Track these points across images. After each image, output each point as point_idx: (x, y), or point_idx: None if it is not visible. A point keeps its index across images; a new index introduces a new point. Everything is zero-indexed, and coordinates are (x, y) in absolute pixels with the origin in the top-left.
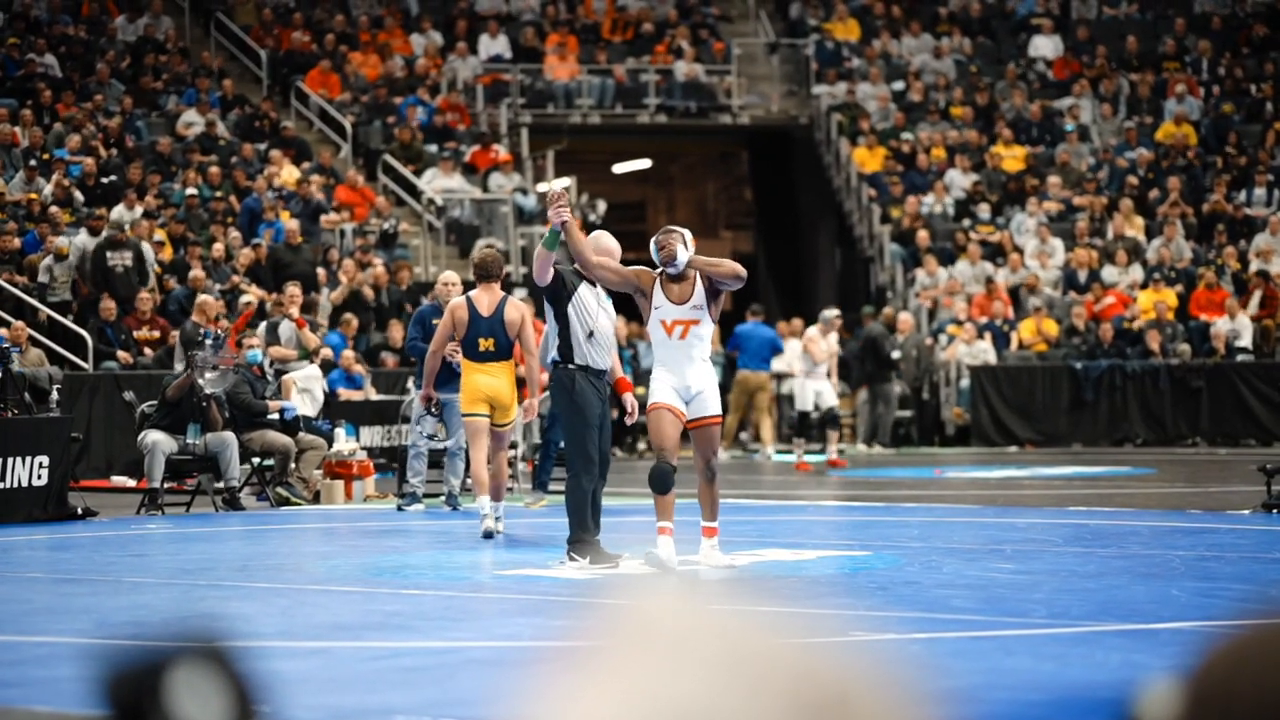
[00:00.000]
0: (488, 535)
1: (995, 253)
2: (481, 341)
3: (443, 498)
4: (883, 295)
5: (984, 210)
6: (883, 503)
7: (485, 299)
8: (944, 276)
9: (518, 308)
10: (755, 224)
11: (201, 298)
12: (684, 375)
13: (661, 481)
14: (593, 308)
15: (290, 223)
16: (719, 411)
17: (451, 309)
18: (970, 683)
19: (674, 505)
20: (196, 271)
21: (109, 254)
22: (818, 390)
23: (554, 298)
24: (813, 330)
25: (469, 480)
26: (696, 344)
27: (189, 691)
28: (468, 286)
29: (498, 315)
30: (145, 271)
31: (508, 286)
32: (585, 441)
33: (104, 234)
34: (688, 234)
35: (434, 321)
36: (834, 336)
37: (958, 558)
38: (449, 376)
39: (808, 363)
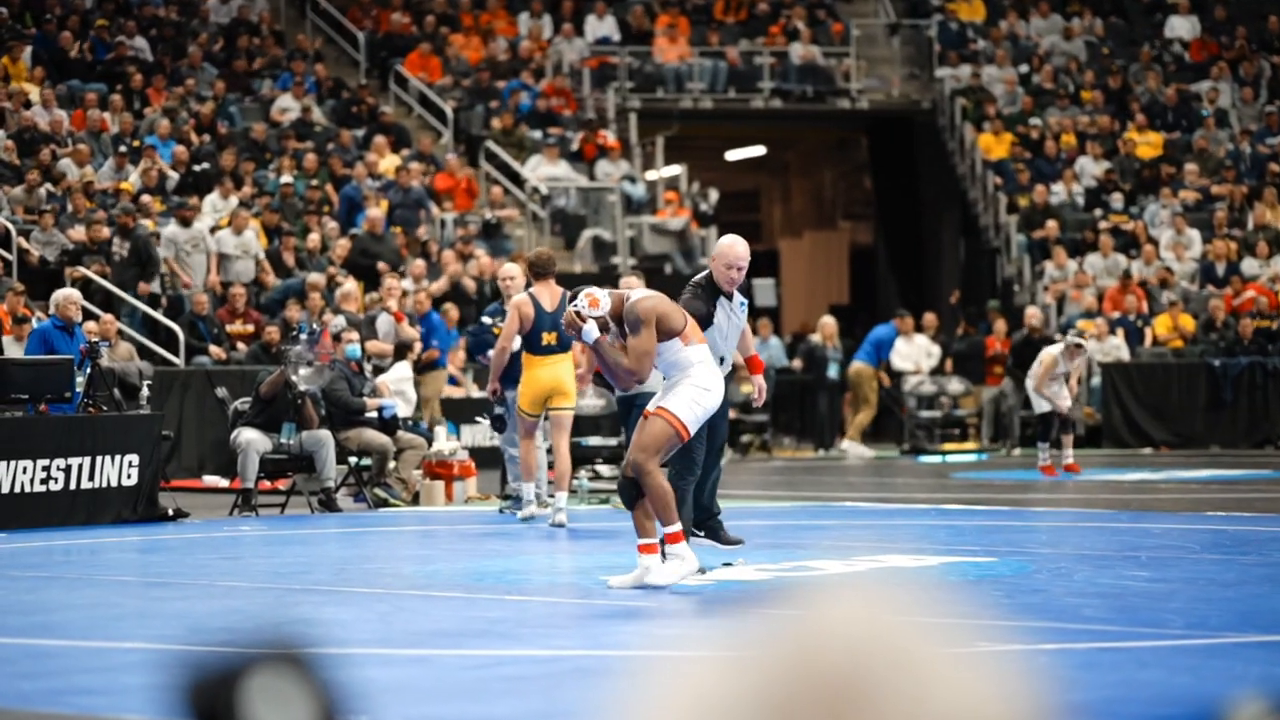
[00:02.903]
0: (528, 520)
1: (1128, 244)
2: (545, 336)
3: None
4: (1009, 289)
5: (1116, 199)
6: (1009, 506)
7: (547, 295)
8: (1074, 269)
9: None
10: (875, 214)
11: (347, 286)
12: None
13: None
14: (726, 328)
15: (374, 211)
16: (656, 406)
17: (517, 306)
18: (1101, 696)
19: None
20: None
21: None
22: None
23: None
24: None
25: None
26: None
27: (267, 700)
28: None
29: (560, 309)
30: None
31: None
32: (692, 443)
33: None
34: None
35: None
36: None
37: (1089, 564)
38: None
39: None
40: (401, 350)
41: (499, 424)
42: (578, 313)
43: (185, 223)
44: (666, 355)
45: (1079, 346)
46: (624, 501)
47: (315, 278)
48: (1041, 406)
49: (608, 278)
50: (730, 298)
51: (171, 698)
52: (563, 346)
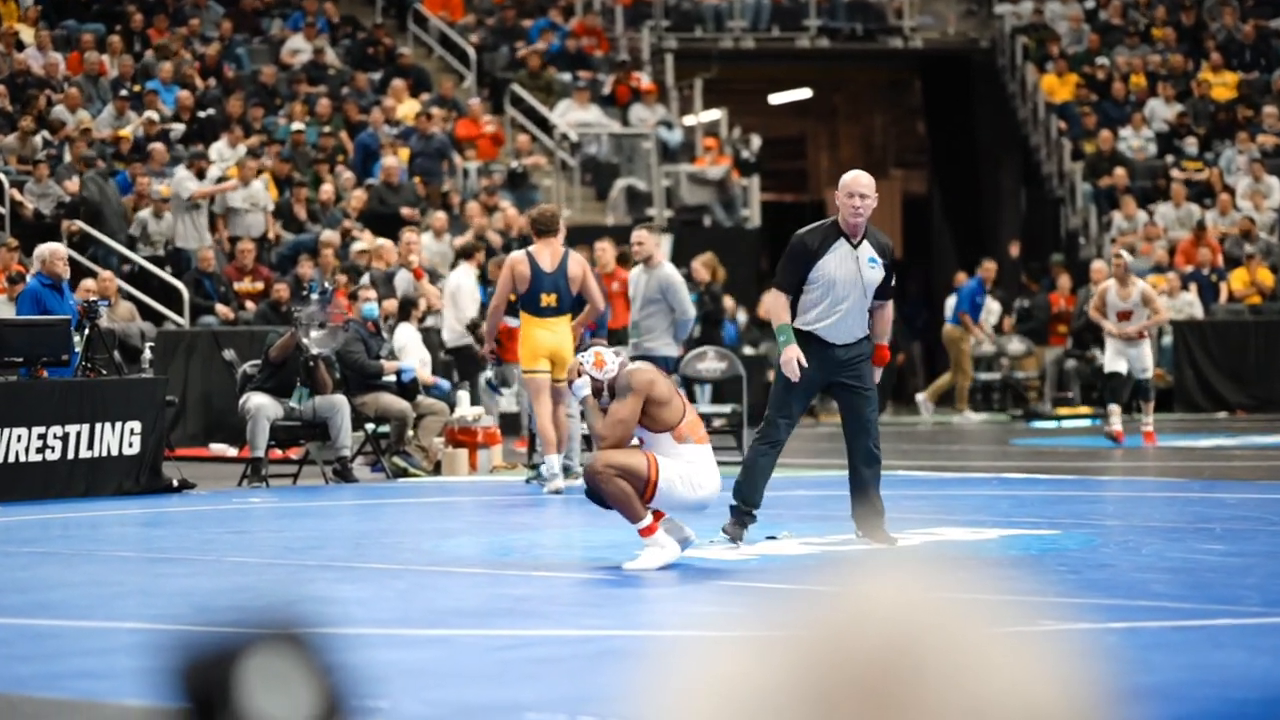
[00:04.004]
0: (556, 493)
1: (1202, 193)
2: (544, 297)
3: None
4: (1074, 241)
5: (1190, 145)
6: (1074, 475)
7: (547, 254)
8: (1144, 220)
9: (580, 262)
10: (929, 161)
11: (382, 241)
12: None
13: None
14: (845, 276)
15: (392, 160)
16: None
17: (511, 264)
18: (1173, 679)
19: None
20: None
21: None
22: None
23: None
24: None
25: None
26: None
27: (267, 683)
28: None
29: (561, 270)
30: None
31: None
32: (778, 413)
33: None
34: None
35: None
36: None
37: (1159, 537)
38: None
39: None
40: (406, 309)
41: (492, 389)
42: (579, 367)
43: (201, 174)
44: (659, 448)
45: (1119, 258)
46: (594, 502)
47: (329, 233)
48: (1114, 365)
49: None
50: (855, 243)
51: (165, 680)
52: (563, 309)
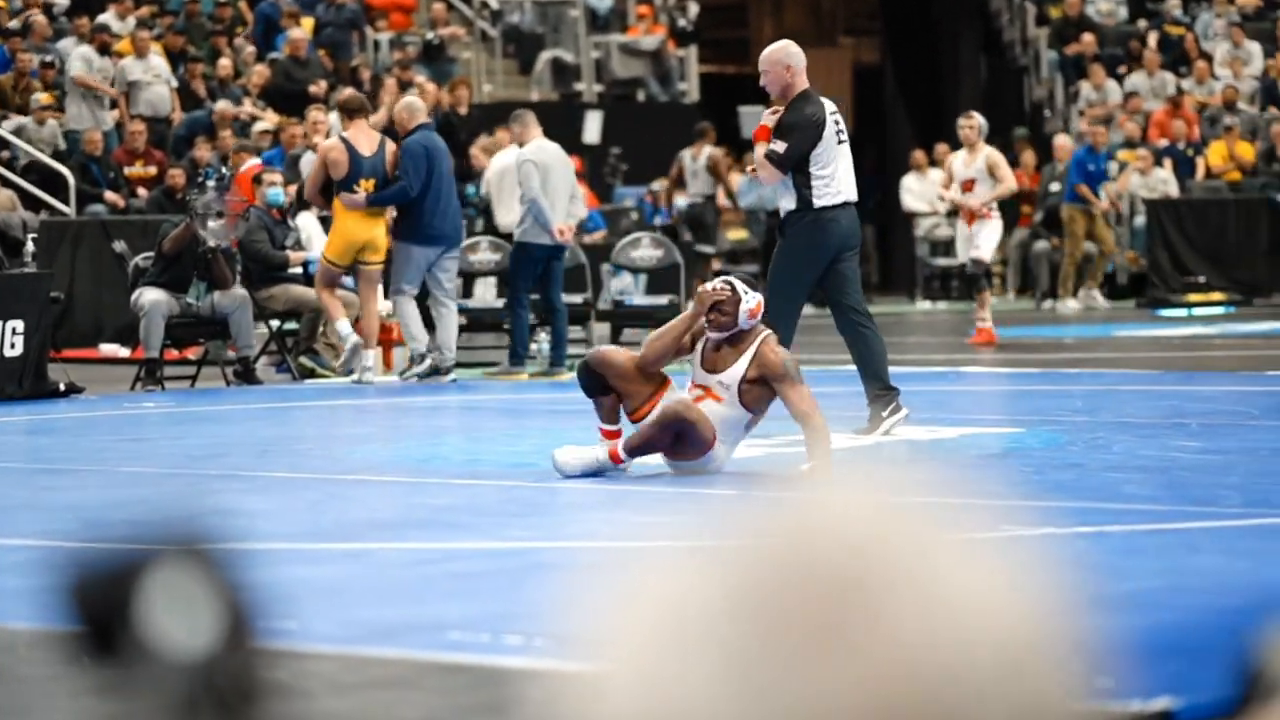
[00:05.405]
0: (359, 383)
1: (1178, 60)
2: (363, 183)
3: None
4: (1039, 114)
5: (1165, 7)
6: (1038, 368)
7: (364, 139)
8: (1114, 90)
9: (395, 149)
10: (882, 28)
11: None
12: None
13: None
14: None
15: (297, 31)
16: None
17: (325, 151)
18: (1147, 586)
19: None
20: (223, 104)
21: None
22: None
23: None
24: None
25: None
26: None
27: (168, 604)
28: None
29: (380, 156)
30: None
31: (575, 108)
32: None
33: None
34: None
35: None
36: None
37: (1131, 434)
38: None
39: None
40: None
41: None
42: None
43: (104, 49)
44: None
45: (970, 118)
46: (584, 389)
47: (225, 106)
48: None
49: (569, 107)
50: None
51: (56, 601)
52: (381, 199)
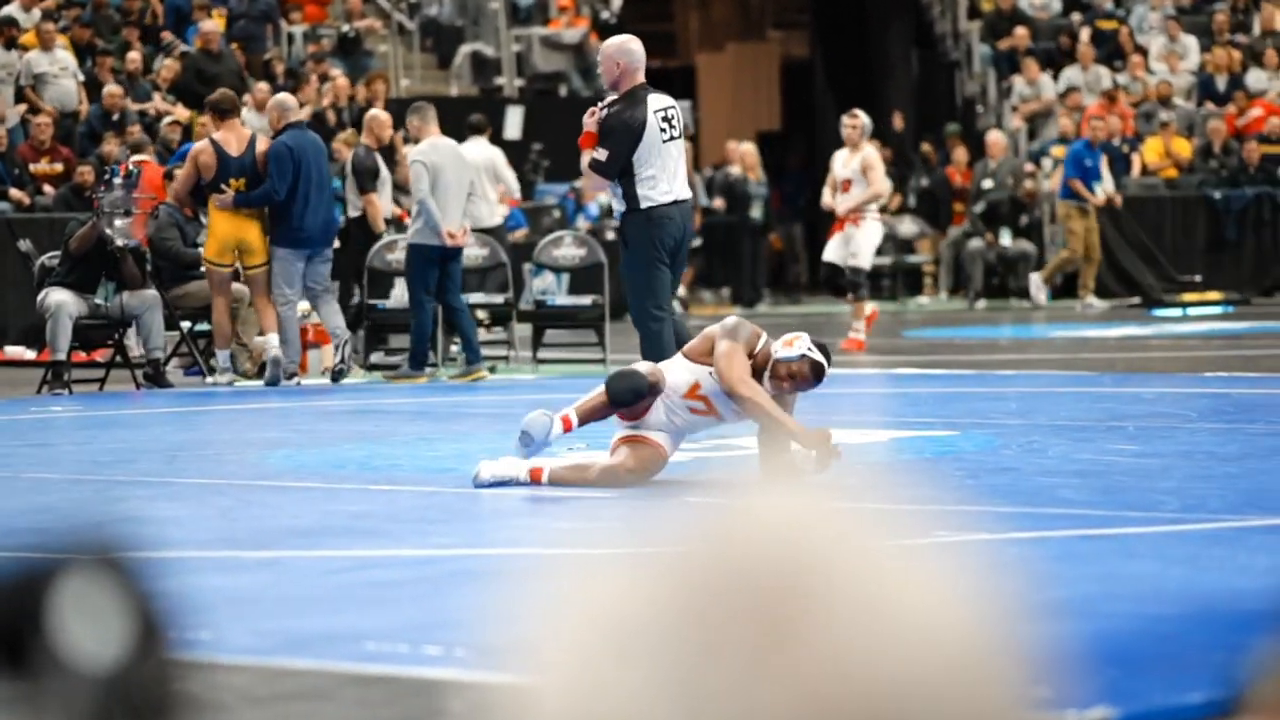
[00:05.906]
0: (230, 384)
1: (1112, 54)
2: (232, 183)
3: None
4: (971, 109)
5: (1098, 1)
6: (972, 370)
7: (233, 139)
8: (1048, 85)
9: (268, 144)
10: (811, 21)
11: (371, 113)
12: None
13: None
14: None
15: (208, 24)
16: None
17: (195, 154)
18: (1082, 592)
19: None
20: (112, 87)
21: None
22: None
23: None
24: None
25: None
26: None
27: (77, 614)
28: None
29: (249, 155)
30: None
31: (496, 102)
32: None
33: None
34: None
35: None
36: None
37: (1066, 437)
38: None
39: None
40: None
41: None
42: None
43: (10, 43)
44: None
45: (854, 118)
46: (614, 396)
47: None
48: (830, 254)
49: (490, 102)
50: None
51: None
52: (247, 200)
